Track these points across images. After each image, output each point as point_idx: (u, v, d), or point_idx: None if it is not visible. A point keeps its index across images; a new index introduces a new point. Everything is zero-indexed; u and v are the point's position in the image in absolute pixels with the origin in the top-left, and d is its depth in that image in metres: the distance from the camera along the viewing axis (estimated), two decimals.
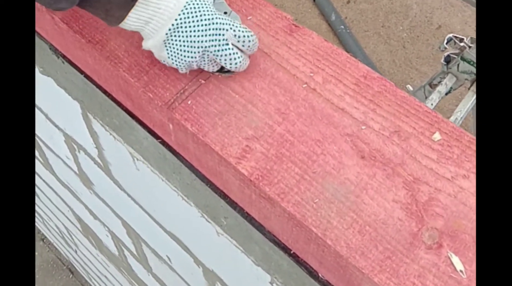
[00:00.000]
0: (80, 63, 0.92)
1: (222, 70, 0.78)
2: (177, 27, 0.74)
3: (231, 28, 0.75)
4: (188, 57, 0.75)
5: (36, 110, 1.43)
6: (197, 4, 0.74)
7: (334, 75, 0.78)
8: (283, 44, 0.82)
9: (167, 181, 0.99)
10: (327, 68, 0.79)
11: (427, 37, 4.12)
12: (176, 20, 0.74)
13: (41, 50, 1.04)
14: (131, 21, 0.74)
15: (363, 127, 0.73)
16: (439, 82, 2.31)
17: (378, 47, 4.07)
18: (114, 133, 1.04)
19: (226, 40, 0.75)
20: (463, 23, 4.12)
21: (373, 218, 0.67)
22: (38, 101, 1.37)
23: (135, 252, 1.77)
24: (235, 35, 0.75)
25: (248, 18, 0.83)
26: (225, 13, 0.80)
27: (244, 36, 0.75)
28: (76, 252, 3.38)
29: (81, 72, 0.94)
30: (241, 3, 0.85)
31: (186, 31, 0.74)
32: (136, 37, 0.82)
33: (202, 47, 0.74)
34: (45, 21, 0.91)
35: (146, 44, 0.77)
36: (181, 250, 1.24)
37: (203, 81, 0.78)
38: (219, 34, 0.74)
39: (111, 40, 0.82)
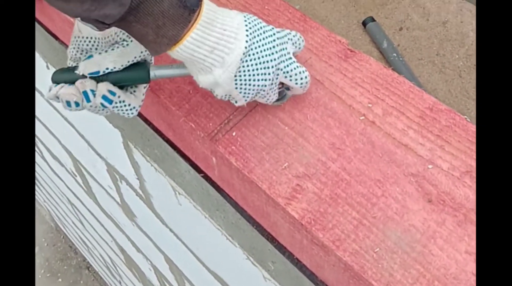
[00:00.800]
0: None
1: None
2: (249, 49, 0.63)
3: (288, 38, 0.67)
4: (262, 80, 0.64)
5: (79, 138, 1.39)
6: (254, 19, 0.65)
7: (396, 107, 0.70)
8: (337, 71, 0.74)
9: (210, 218, 0.92)
10: (387, 98, 0.71)
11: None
12: (247, 41, 0.62)
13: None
14: (193, 45, 0.60)
15: (430, 166, 0.65)
16: None
17: (433, 76, 3.95)
18: (156, 165, 0.98)
19: (290, 53, 0.67)
20: None
21: (443, 272, 0.58)
22: (81, 128, 1.32)
23: None
24: (293, 43, 0.68)
25: None
26: None
27: (297, 38, 0.69)
28: (120, 283, 3.34)
29: None
30: (291, 25, 0.78)
31: (257, 52, 0.63)
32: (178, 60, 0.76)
33: (275, 66, 0.65)
34: None
35: (207, 79, 0.64)
36: None
37: (249, 111, 0.71)
38: (284, 49, 0.66)
39: None
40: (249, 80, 0.64)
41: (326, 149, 0.67)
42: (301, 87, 0.68)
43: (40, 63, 1.21)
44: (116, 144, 1.11)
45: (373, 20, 3.77)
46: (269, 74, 0.64)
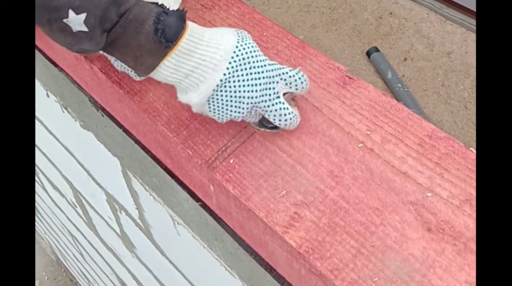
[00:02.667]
0: (119, 116, 0.86)
1: (267, 125, 0.70)
2: (225, 82, 0.64)
3: (281, 78, 0.67)
4: (234, 112, 0.66)
5: (79, 167, 1.39)
6: (246, 52, 0.65)
7: (395, 134, 0.69)
8: (335, 98, 0.73)
9: (209, 248, 0.90)
10: (386, 125, 0.70)
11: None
12: (224, 75, 0.64)
13: (81, 102, 0.99)
14: (166, 71, 0.64)
15: (429, 194, 0.64)
16: None
17: (438, 107, 3.95)
18: (154, 194, 0.97)
19: (277, 93, 0.67)
20: None
21: None
22: (80, 157, 1.32)
23: None
24: (286, 83, 0.67)
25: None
26: None
27: (295, 79, 0.67)
28: None
29: (120, 126, 0.88)
30: (289, 52, 0.78)
31: (235, 86, 0.65)
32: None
33: (251, 103, 0.66)
34: (84, 71, 0.86)
35: (184, 98, 0.68)
36: None
37: (247, 138, 0.70)
38: (270, 88, 0.66)
39: (150, 91, 0.76)
40: (222, 108, 0.66)
41: (325, 177, 0.66)
42: (284, 127, 0.68)
43: (40, 91, 1.22)
44: (115, 173, 1.10)
45: (377, 50, 3.76)
46: (243, 108, 0.66)
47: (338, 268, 0.60)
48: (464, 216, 0.62)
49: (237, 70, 0.64)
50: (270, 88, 0.66)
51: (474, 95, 3.98)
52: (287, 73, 0.67)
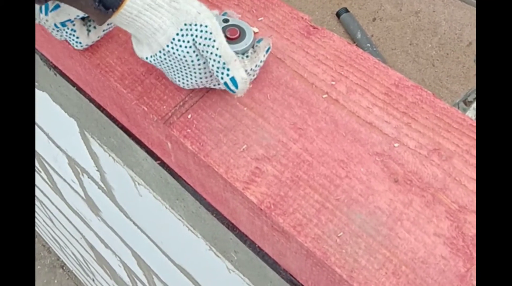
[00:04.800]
0: (72, 74, 0.81)
1: None
2: (171, 48, 0.59)
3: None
4: (190, 78, 0.63)
5: (38, 130, 1.33)
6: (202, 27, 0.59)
7: (360, 84, 0.66)
8: (299, 48, 0.70)
9: (171, 209, 0.87)
10: (351, 75, 0.67)
11: (457, 54, 3.97)
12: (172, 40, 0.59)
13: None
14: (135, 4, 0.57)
15: (396, 145, 0.61)
16: (475, 98, 2.17)
17: (407, 65, 3.93)
18: (113, 154, 0.93)
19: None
20: None
21: (411, 256, 0.54)
22: (38, 119, 1.26)
23: (147, 285, 1.65)
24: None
25: (259, 19, 0.72)
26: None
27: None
28: (93, 280, 3.28)
29: (74, 84, 0.83)
30: (251, 2, 0.73)
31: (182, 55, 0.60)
32: (130, 42, 0.71)
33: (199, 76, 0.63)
34: None
35: (143, 53, 0.62)
36: (192, 285, 1.12)
37: (206, 92, 0.67)
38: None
39: (102, 45, 0.72)
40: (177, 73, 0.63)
41: (287, 130, 0.63)
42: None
43: None
44: (73, 135, 1.06)
45: (347, 11, 3.74)
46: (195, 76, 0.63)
47: (301, 223, 0.57)
48: (433, 166, 0.59)
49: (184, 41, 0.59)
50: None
51: (441, 53, 3.98)
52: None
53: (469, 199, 0.57)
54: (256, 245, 0.68)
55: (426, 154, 0.60)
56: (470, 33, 4.04)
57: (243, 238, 0.69)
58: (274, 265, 0.67)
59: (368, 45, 3.92)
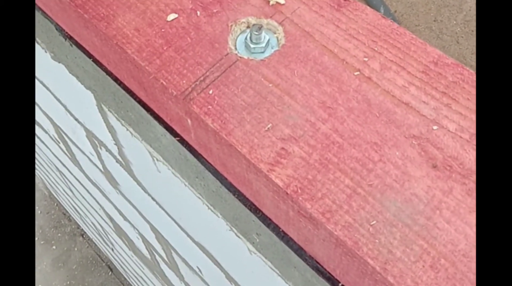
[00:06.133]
0: (88, 45, 0.77)
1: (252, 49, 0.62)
2: None
3: None
4: None
5: (56, 102, 1.30)
6: None
7: (396, 61, 0.61)
8: (329, 22, 0.65)
9: (190, 186, 0.83)
10: (386, 51, 0.62)
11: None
12: None
13: (48, 31, 0.89)
14: None
15: (435, 128, 0.56)
16: None
17: (430, 42, 3.85)
18: (131, 129, 0.89)
19: None
20: None
21: (450, 248, 0.50)
22: (56, 91, 1.23)
23: (166, 259, 1.63)
24: None
25: None
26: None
27: None
28: (113, 250, 3.28)
29: (90, 56, 0.79)
30: None
31: None
32: (148, 12, 0.67)
33: None
34: None
35: None
36: (211, 263, 1.09)
37: (228, 67, 0.62)
38: None
39: (119, 15, 0.67)
40: None
41: (316, 109, 0.58)
42: None
43: None
44: (91, 108, 1.02)
45: None
46: None
47: (330, 210, 0.53)
48: (475, 151, 0.54)
49: None
50: None
51: (466, 30, 3.89)
52: None
53: None
54: (280, 229, 0.64)
55: (468, 138, 0.55)
56: None
57: (267, 221, 0.65)
58: (299, 251, 0.63)
59: (391, 21, 3.84)
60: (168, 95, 0.63)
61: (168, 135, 0.73)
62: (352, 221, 0.52)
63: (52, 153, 2.24)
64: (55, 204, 4.63)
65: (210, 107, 0.60)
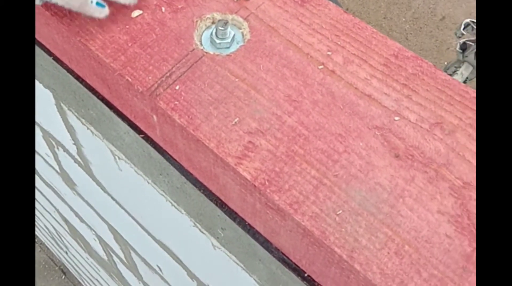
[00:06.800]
0: (48, 42, 0.76)
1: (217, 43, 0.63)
2: None
3: None
4: None
5: None
6: None
7: (358, 54, 0.63)
8: (293, 17, 0.66)
9: (153, 184, 0.84)
10: (348, 45, 0.64)
11: (431, 28, 3.97)
12: None
13: None
14: None
15: (396, 118, 0.58)
16: (454, 71, 2.15)
17: None
18: (92, 127, 0.89)
19: None
20: (468, 14, 3.98)
21: (414, 235, 0.52)
22: None
23: (124, 259, 1.62)
24: None
25: None
26: None
27: None
28: (67, 253, 3.23)
29: (50, 53, 0.79)
30: None
31: None
32: (112, 9, 0.67)
33: None
34: None
35: None
36: (172, 261, 1.09)
37: (194, 62, 0.63)
38: None
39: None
40: None
41: (282, 102, 0.60)
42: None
43: None
44: (49, 107, 1.01)
45: None
46: None
47: (298, 201, 0.54)
48: (435, 140, 0.56)
49: None
50: None
51: (415, 27, 3.97)
52: None
53: (474, 175, 0.54)
54: (246, 223, 0.65)
55: (428, 128, 0.57)
56: (443, 7, 4.04)
57: (233, 215, 0.66)
58: (265, 243, 0.64)
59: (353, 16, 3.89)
60: (133, 91, 0.63)
61: (131, 132, 0.73)
62: (319, 211, 0.53)
63: None
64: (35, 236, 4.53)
65: (176, 102, 0.60)
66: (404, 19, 4.07)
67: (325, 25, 0.65)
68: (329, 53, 0.63)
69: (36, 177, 1.89)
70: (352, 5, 4.14)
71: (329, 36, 0.64)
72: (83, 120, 0.90)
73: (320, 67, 0.62)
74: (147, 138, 0.71)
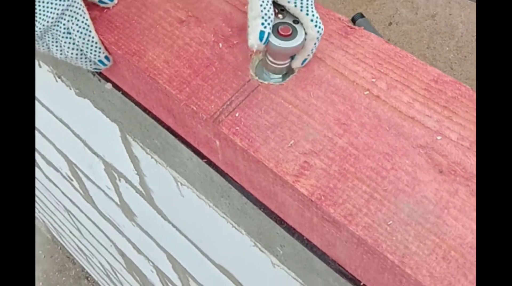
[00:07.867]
0: (117, 79, 0.85)
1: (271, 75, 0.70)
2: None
3: None
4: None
5: (74, 137, 1.37)
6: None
7: (400, 80, 0.69)
8: (338, 48, 0.73)
9: (214, 207, 0.90)
10: (391, 72, 0.70)
11: (475, 57, 3.98)
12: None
13: (75, 69, 0.97)
14: None
15: (439, 138, 0.63)
16: None
17: None
18: (156, 156, 0.96)
19: None
20: None
21: (459, 242, 0.57)
22: (76, 127, 1.30)
23: None
24: None
25: None
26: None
27: None
28: None
29: (119, 89, 0.87)
30: None
31: None
32: (176, 46, 0.74)
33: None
34: None
35: None
36: (232, 285, 1.14)
37: (251, 91, 0.70)
38: None
39: (149, 50, 0.75)
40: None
41: (332, 125, 0.66)
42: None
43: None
44: (113, 139, 1.09)
45: (362, 16, 3.75)
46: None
47: (351, 213, 0.59)
48: (475, 157, 0.61)
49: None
50: None
51: (459, 56, 3.99)
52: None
53: None
54: (304, 238, 0.70)
55: (469, 145, 0.62)
56: None
57: (291, 231, 0.71)
58: (322, 256, 0.69)
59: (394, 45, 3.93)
60: (198, 119, 0.70)
61: (194, 158, 0.80)
62: (371, 222, 0.59)
63: (62, 192, 2.30)
64: (59, 247, 4.65)
65: (237, 128, 0.67)
66: (447, 48, 4.09)
67: (368, 54, 0.71)
68: (373, 80, 0.69)
69: (94, 211, 1.98)
70: (393, 36, 4.18)
71: (373, 65, 0.70)
72: (148, 150, 0.97)
73: (366, 92, 0.68)
74: (209, 163, 0.78)
